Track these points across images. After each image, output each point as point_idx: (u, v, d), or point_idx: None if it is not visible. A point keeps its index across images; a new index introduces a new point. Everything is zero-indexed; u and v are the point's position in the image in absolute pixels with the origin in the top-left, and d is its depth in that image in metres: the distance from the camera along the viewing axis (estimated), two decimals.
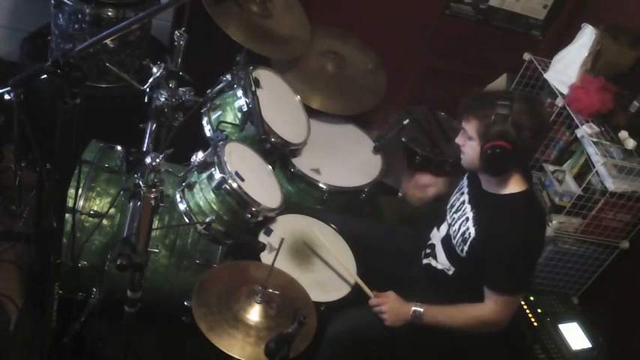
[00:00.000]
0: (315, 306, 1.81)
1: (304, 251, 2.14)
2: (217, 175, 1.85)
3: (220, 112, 2.25)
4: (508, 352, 2.45)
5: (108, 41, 1.77)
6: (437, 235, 2.12)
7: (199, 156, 1.88)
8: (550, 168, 2.72)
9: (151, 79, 2.05)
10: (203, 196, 1.87)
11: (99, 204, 2.03)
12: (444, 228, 2.10)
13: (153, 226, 1.62)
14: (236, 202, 1.87)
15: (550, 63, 2.82)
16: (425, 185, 2.32)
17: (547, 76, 2.78)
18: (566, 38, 2.87)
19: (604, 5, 3.07)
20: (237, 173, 1.88)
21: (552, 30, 3.29)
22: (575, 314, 2.50)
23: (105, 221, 2.02)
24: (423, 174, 2.34)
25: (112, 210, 2.01)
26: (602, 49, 2.52)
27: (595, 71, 2.54)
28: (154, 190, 1.55)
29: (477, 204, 1.98)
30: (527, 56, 2.93)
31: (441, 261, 2.06)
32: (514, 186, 1.90)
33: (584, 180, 2.50)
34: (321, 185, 2.41)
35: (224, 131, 2.14)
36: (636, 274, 2.63)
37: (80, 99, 1.38)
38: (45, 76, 1.36)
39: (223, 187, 1.84)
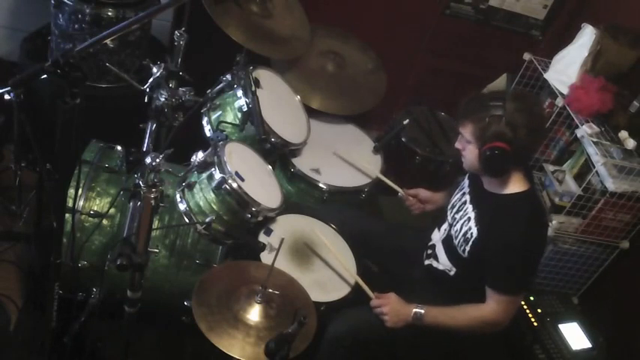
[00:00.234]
0: (315, 306, 1.81)
1: (304, 251, 2.14)
2: (217, 175, 1.85)
3: (220, 112, 2.25)
4: (508, 352, 2.45)
5: (108, 41, 1.77)
6: (438, 236, 2.12)
7: (199, 156, 1.88)
8: (550, 168, 2.72)
9: (151, 79, 2.05)
10: (203, 196, 1.87)
11: (99, 204, 2.03)
12: (444, 228, 2.10)
13: (153, 226, 1.62)
14: (236, 202, 1.87)
15: (550, 63, 2.82)
16: (424, 201, 2.34)
17: (547, 76, 2.78)
18: (566, 38, 2.87)
19: (604, 5, 3.07)
20: (237, 173, 1.88)
21: (552, 30, 3.29)
22: (575, 314, 2.50)
23: (105, 221, 2.01)
24: (423, 190, 2.35)
25: (112, 210, 2.01)
26: (602, 49, 2.52)
27: (595, 71, 2.54)
28: (154, 190, 1.55)
29: (479, 204, 1.98)
30: (527, 56, 2.93)
31: (442, 262, 2.06)
32: (516, 186, 1.90)
33: (584, 180, 2.50)
34: (321, 185, 2.42)
35: (224, 131, 2.14)
36: (636, 274, 2.63)
37: (80, 99, 1.38)
38: (45, 76, 1.36)
39: (223, 187, 1.84)
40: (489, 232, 1.90)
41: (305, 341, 1.62)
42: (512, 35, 3.29)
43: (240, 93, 2.18)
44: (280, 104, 2.45)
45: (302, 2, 2.73)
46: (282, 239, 1.71)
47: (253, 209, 1.90)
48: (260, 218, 1.95)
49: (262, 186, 2.04)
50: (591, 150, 2.47)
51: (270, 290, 1.69)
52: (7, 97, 1.37)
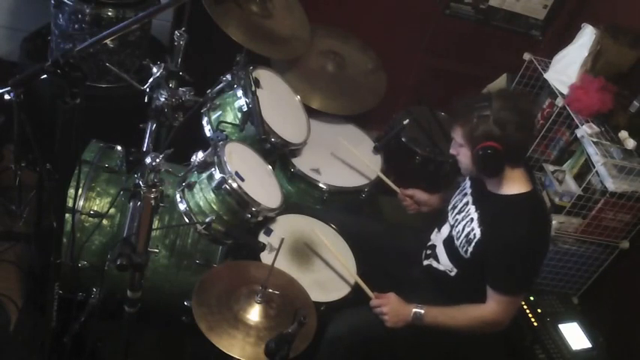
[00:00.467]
0: (315, 306, 1.81)
1: (304, 251, 2.14)
2: (217, 175, 1.85)
3: (220, 112, 2.25)
4: (508, 352, 2.45)
5: (108, 41, 1.77)
6: (438, 237, 2.12)
7: (199, 156, 1.88)
8: (550, 168, 2.72)
9: (151, 79, 2.05)
10: (203, 196, 1.87)
11: (99, 204, 2.03)
12: (445, 229, 2.09)
13: (153, 226, 1.62)
14: (236, 202, 1.87)
15: (550, 63, 2.82)
16: (420, 203, 2.35)
17: (547, 76, 2.78)
18: (566, 38, 2.87)
19: (604, 5, 3.07)
20: (237, 173, 1.88)
21: (552, 30, 3.29)
22: (575, 314, 2.50)
23: (105, 221, 2.02)
24: (419, 191, 2.36)
25: (112, 210, 2.01)
26: (602, 49, 2.52)
27: (595, 71, 2.54)
28: (154, 190, 1.55)
29: (482, 205, 1.98)
30: (527, 56, 2.93)
31: (443, 262, 2.06)
32: (518, 186, 1.90)
33: (584, 180, 2.50)
34: (321, 185, 2.42)
35: (224, 131, 2.14)
36: (636, 274, 2.63)
37: (80, 99, 1.38)
38: (45, 76, 1.36)
39: (223, 187, 1.84)
40: (492, 232, 1.90)
41: (305, 341, 1.62)
42: (512, 35, 3.29)
43: (240, 93, 2.18)
44: (280, 104, 2.45)
45: (302, 2, 2.73)
46: (282, 239, 1.71)
47: (253, 209, 1.90)
48: (260, 218, 1.96)
49: (262, 186, 2.04)
50: (591, 150, 2.47)
51: (270, 290, 1.69)
52: (7, 97, 1.37)
